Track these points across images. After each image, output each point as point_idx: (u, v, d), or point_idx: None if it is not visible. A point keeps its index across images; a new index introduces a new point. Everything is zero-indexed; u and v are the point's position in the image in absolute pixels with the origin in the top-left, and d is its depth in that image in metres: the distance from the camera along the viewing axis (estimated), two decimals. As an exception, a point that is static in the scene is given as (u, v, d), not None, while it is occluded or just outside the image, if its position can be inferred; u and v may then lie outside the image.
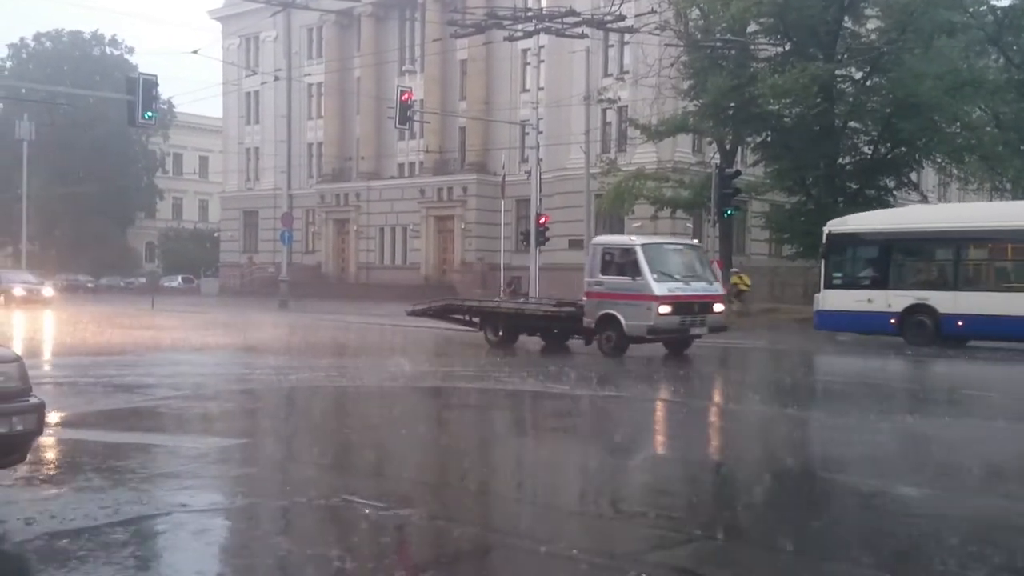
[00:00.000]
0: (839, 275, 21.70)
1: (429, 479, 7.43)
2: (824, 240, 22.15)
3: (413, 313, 22.38)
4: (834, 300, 21.47)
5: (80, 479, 6.61)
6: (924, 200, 36.81)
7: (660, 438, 9.87)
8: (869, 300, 20.81)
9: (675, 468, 7.96)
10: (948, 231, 20.74)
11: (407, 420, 10.02)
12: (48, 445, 7.51)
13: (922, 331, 20.20)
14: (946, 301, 20.01)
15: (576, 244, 41.22)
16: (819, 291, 22.00)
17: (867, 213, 24.50)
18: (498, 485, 7.35)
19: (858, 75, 30.61)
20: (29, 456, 5.87)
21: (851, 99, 29.95)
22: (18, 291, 36.56)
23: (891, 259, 21.57)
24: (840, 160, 30.64)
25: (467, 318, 21.18)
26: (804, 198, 30.55)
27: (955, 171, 33.64)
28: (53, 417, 8.59)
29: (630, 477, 7.67)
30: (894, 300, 20.48)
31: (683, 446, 9.04)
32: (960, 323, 19.83)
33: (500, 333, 19.83)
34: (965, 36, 29.53)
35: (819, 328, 22.19)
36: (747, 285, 30.51)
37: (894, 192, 32.08)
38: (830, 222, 22.80)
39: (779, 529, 5.86)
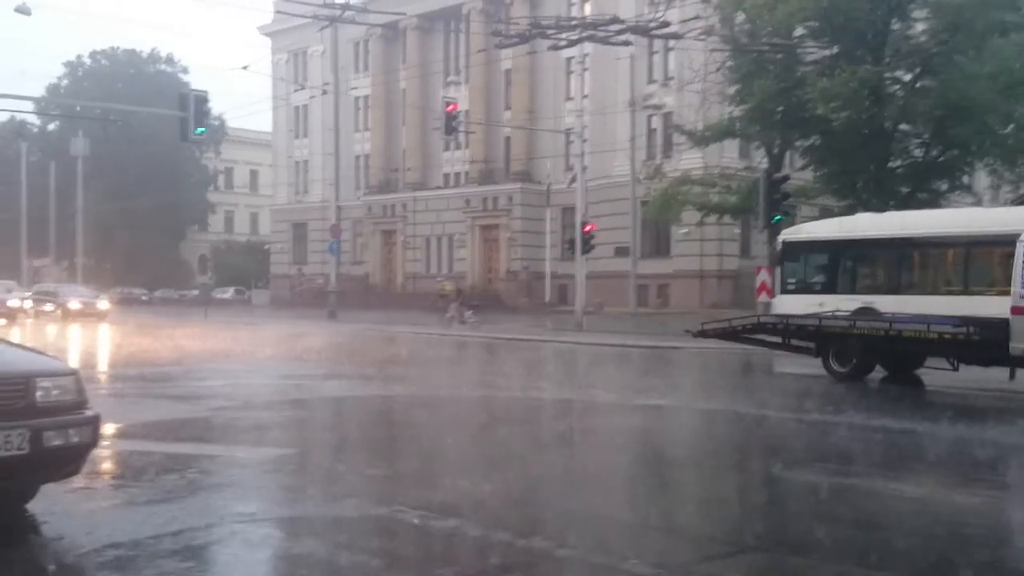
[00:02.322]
0: (793, 281, 22.58)
1: (473, 487, 7.44)
2: (779, 248, 22.82)
3: (703, 334, 19.67)
4: (788, 304, 22.02)
5: (135, 490, 6.73)
6: (978, 203, 36.17)
7: None
8: (820, 304, 21.55)
9: None
10: (892, 238, 21.57)
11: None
12: (103, 456, 7.64)
13: None
14: (890, 304, 20.68)
15: (622, 252, 41.12)
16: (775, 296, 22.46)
17: (820, 221, 25.38)
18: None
19: (907, 77, 30.13)
20: (85, 468, 5.98)
21: (901, 102, 29.47)
22: (74, 304, 37.35)
23: (840, 265, 22.33)
24: (890, 163, 30.16)
25: (783, 340, 18.30)
26: (854, 202, 30.07)
27: (1007, 174, 33.00)
28: (108, 428, 8.74)
29: None
30: (843, 304, 21.17)
31: None
32: None
33: (853, 362, 16.41)
34: (1019, 36, 28.91)
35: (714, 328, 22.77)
36: (448, 291, 36.45)
37: (947, 195, 31.53)
38: (784, 231, 23.48)
39: None
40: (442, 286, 46.35)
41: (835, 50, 29.90)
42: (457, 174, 55.40)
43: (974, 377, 15.18)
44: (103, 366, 17.61)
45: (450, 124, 31.49)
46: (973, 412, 12.87)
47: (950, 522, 6.28)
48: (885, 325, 16.43)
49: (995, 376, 14.63)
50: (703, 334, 20.16)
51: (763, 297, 22.48)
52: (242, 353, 20.46)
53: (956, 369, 15.48)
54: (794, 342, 18.30)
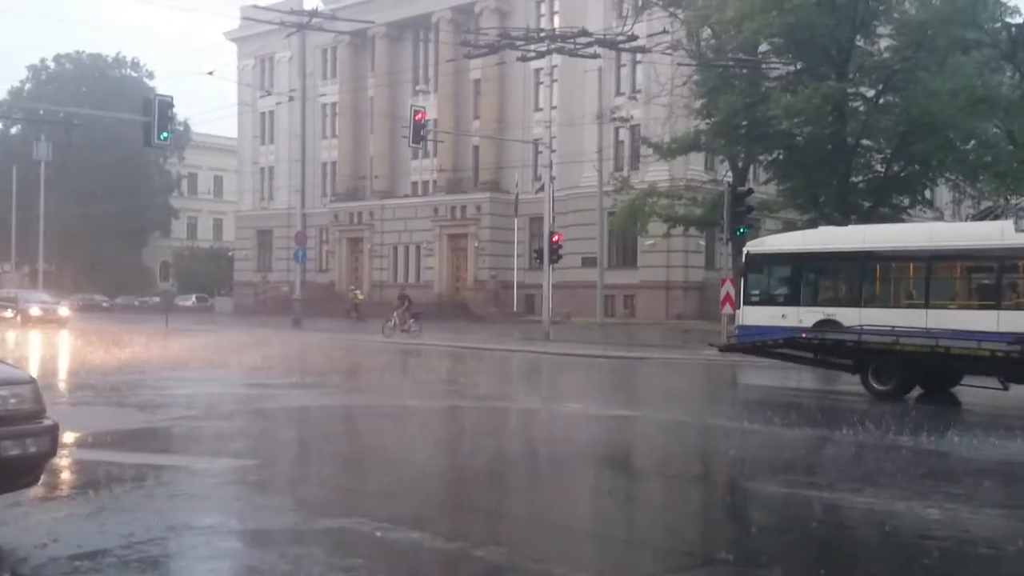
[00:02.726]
0: (756, 293, 22.84)
1: (434, 497, 7.40)
2: (743, 260, 23.25)
3: (730, 348, 19.78)
4: (753, 316, 22.56)
5: (93, 501, 6.63)
6: (939, 217, 36.74)
7: None
8: (783, 316, 22.28)
9: None
10: (854, 251, 22.28)
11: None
12: (62, 466, 7.54)
13: None
14: (851, 317, 21.09)
15: (589, 262, 41.28)
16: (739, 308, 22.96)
17: (783, 234, 25.91)
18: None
19: (871, 93, 30.58)
20: (43, 478, 5.89)
21: (864, 117, 29.91)
22: (34, 311, 36.82)
23: (803, 278, 22.83)
24: (853, 178, 30.58)
25: (816, 356, 17.59)
26: (817, 216, 30.47)
27: (969, 189, 33.56)
28: (67, 437, 8.62)
29: None
30: (805, 316, 21.59)
31: None
32: None
33: (894, 379, 15.44)
34: (980, 53, 29.45)
35: (741, 341, 23.10)
36: (359, 299, 37.54)
37: (908, 210, 32.00)
38: (749, 243, 23.96)
39: None
40: (353, 295, 46.11)
41: (799, 66, 30.33)
42: (425, 183, 55.33)
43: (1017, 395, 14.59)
44: (63, 374, 17.36)
45: (418, 133, 31.45)
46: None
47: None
48: (932, 342, 15.64)
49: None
50: (730, 348, 20.14)
51: (727, 309, 22.66)
52: (203, 362, 20.25)
53: (1006, 388, 14.83)
54: (828, 358, 17.66)
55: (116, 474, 7.56)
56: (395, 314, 34.09)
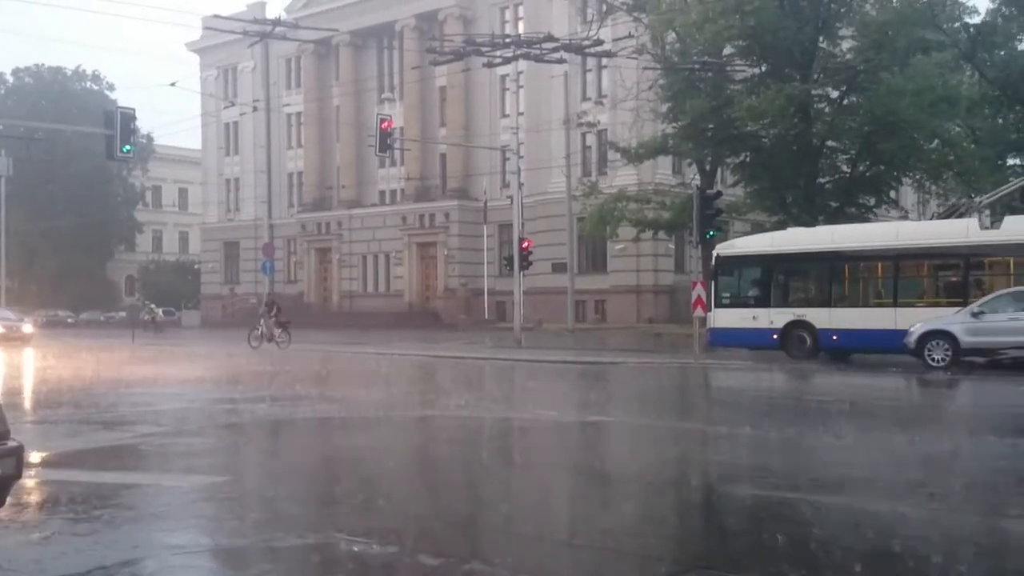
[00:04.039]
0: (727, 295, 23.61)
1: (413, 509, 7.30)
2: (714, 262, 23.48)
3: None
4: (724, 318, 23.03)
5: (61, 523, 6.45)
6: (905, 216, 37.16)
7: None
8: (754, 317, 22.67)
9: None
10: (822, 252, 22.69)
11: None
12: (28, 488, 7.33)
13: (801, 345, 22.04)
14: (822, 317, 21.74)
15: (560, 268, 41.30)
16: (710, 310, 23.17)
17: (753, 236, 26.58)
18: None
19: (835, 94, 30.87)
20: (8, 500, 5.71)
21: (829, 118, 30.20)
22: (-3, 328, 36.09)
23: (773, 279, 23.38)
24: (820, 179, 30.85)
25: None
26: (784, 217, 30.73)
27: (933, 188, 33.98)
28: (34, 457, 8.42)
29: None
30: (776, 317, 22.13)
31: None
32: (835, 337, 21.64)
33: None
34: (940, 53, 29.86)
35: (712, 344, 23.69)
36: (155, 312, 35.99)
37: (874, 210, 32.33)
38: (719, 245, 24.50)
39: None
40: (151, 311, 44.94)
41: (764, 68, 30.57)
42: (393, 191, 55.14)
43: None
44: (28, 392, 17.02)
45: (385, 141, 31.32)
46: None
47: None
48: None
49: None
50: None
51: (698, 312, 22.72)
52: (171, 377, 19.96)
53: None
54: None
55: (85, 494, 7.37)
56: (261, 323, 31.71)
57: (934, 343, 19.27)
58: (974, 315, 19.04)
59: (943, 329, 19.24)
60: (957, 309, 19.71)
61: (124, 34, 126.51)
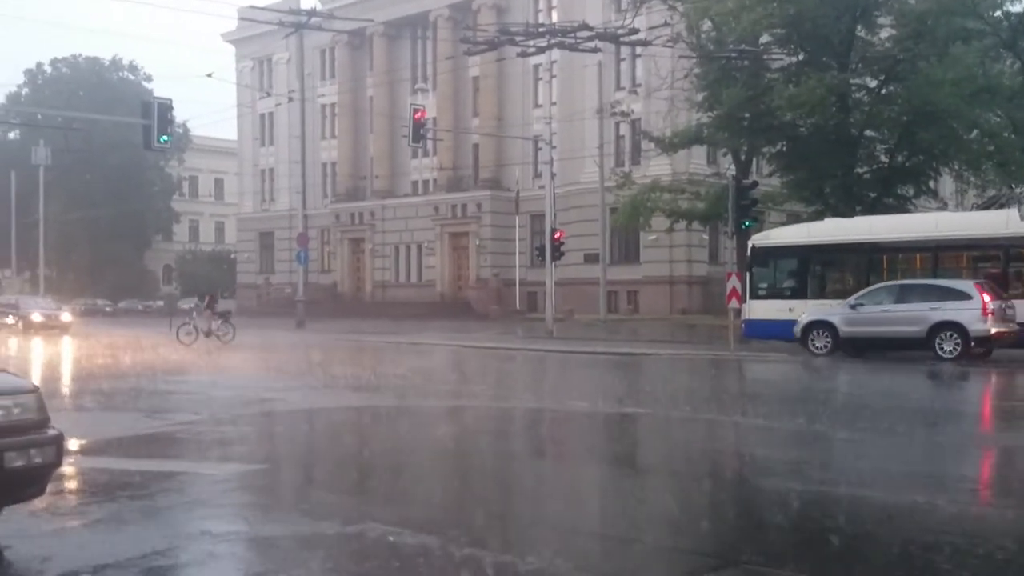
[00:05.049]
0: (763, 286, 23.47)
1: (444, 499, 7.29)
2: (749, 253, 23.28)
3: None
4: (759, 310, 22.86)
5: (100, 510, 6.53)
6: (943, 207, 36.62)
7: None
8: (790, 309, 22.62)
9: None
10: (860, 243, 22.33)
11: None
12: (67, 475, 7.42)
13: None
14: None
15: (592, 258, 41.16)
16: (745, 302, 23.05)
17: (790, 227, 26.32)
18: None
19: (873, 84, 30.44)
20: (49, 488, 5.78)
21: (867, 108, 29.79)
22: (36, 317, 36.65)
23: (809, 270, 23.21)
24: (857, 169, 30.46)
25: None
26: (822, 207, 30.38)
27: (972, 178, 33.45)
28: (72, 445, 8.52)
29: None
30: (812, 309, 21.66)
31: None
32: None
33: None
34: (980, 42, 29.33)
35: (747, 336, 23.54)
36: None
37: (913, 200, 31.89)
38: (754, 236, 24.30)
39: None
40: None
41: (801, 57, 30.20)
42: (425, 181, 55.23)
43: None
44: (66, 380, 17.26)
45: (418, 131, 31.34)
46: None
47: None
48: None
49: None
50: None
51: (733, 303, 22.55)
52: (208, 365, 20.15)
53: None
54: None
55: (123, 482, 7.45)
56: (194, 316, 29.17)
57: (816, 332, 20.75)
58: (852, 307, 20.45)
59: (824, 319, 20.66)
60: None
61: (161, 25, 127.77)
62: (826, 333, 20.55)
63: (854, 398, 14.61)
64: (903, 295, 20.18)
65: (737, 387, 16.86)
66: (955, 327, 19.09)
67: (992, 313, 19.02)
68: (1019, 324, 19.57)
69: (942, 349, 19.16)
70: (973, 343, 19.15)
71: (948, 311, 19.20)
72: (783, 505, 7.04)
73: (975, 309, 19.02)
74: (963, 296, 19.27)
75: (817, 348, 20.59)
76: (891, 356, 20.45)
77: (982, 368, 18.63)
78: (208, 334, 27.62)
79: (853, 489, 7.34)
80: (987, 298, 19.07)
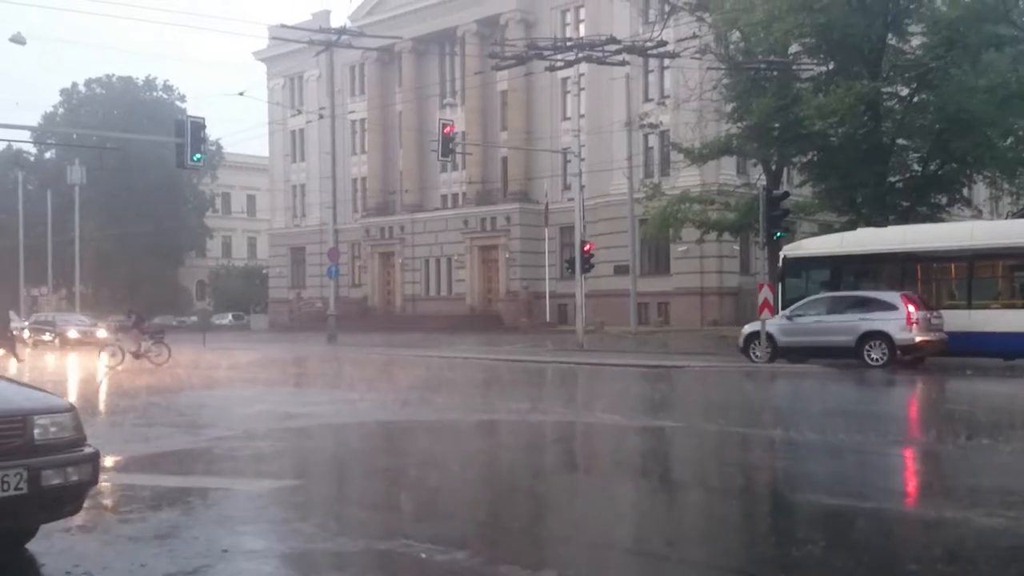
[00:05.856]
0: (796, 297, 22.69)
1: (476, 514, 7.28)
2: (780, 264, 23.52)
3: None
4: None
5: (135, 527, 6.57)
6: (978, 215, 36.18)
7: None
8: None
9: None
10: (893, 252, 22.31)
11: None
12: (103, 492, 7.50)
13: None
14: None
15: (622, 270, 41.05)
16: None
17: (822, 237, 26.34)
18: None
19: (905, 92, 30.17)
20: (85, 505, 5.84)
21: (899, 116, 29.51)
22: (72, 333, 37.20)
23: (842, 280, 23.06)
24: (890, 178, 30.15)
25: None
26: (854, 217, 30.10)
27: (1007, 185, 33.03)
28: (108, 462, 8.60)
29: None
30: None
31: None
32: None
33: None
34: (1013, 48, 28.98)
35: None
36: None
37: (947, 209, 31.52)
38: (786, 247, 24.36)
39: None
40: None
41: (831, 66, 29.99)
42: (455, 195, 55.42)
43: None
44: (102, 395, 17.45)
45: (447, 146, 31.48)
46: None
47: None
48: None
49: None
50: None
51: (765, 314, 22.36)
52: (241, 380, 20.30)
53: None
54: None
55: (158, 499, 7.51)
56: (119, 336, 27.67)
57: (756, 342, 21.78)
58: (788, 318, 21.53)
59: (764, 330, 21.53)
60: None
61: (192, 44, 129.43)
62: (766, 343, 21.52)
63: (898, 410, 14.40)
64: (835, 306, 21.24)
65: (771, 400, 16.71)
66: (882, 336, 20.05)
67: (917, 323, 19.94)
68: (948, 333, 20.23)
69: (870, 357, 20.12)
70: (899, 351, 19.97)
71: (875, 321, 20.17)
72: (822, 522, 6.96)
73: (900, 319, 19.94)
74: (889, 307, 20.19)
75: (757, 356, 21.63)
76: (826, 363, 21.08)
77: (908, 375, 19.27)
78: (138, 356, 24.59)
79: (880, 502, 7.24)
80: (912, 308, 19.99)
